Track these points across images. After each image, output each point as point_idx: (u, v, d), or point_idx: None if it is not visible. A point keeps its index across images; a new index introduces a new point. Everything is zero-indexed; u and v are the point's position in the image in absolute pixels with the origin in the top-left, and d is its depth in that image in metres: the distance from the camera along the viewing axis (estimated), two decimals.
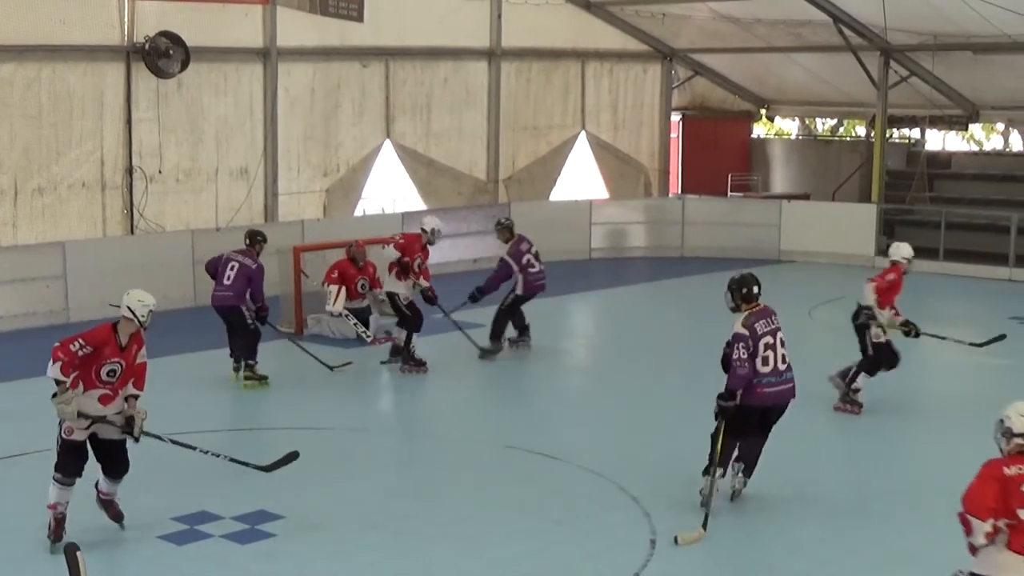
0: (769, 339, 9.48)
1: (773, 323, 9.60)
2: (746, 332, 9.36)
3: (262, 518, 9.29)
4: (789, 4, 21.08)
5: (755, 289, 9.60)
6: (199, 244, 18.07)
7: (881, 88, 22.45)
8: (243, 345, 13.66)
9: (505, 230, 15.25)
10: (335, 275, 15.65)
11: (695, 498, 9.81)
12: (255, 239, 13.95)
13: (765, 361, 9.43)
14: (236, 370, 13.71)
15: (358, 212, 21.13)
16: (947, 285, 20.62)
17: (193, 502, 9.61)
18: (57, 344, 8.55)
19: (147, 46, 17.72)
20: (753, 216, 23.28)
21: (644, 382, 14.26)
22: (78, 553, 5.58)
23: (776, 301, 19.18)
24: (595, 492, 10.12)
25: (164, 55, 17.82)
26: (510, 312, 15.13)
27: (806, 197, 25.64)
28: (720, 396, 9.43)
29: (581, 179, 24.95)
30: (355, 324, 15.43)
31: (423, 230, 14.71)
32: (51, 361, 8.50)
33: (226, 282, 13.58)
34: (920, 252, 21.71)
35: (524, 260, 15.00)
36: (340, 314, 15.51)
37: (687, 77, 26.45)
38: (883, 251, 22.22)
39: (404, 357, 14.41)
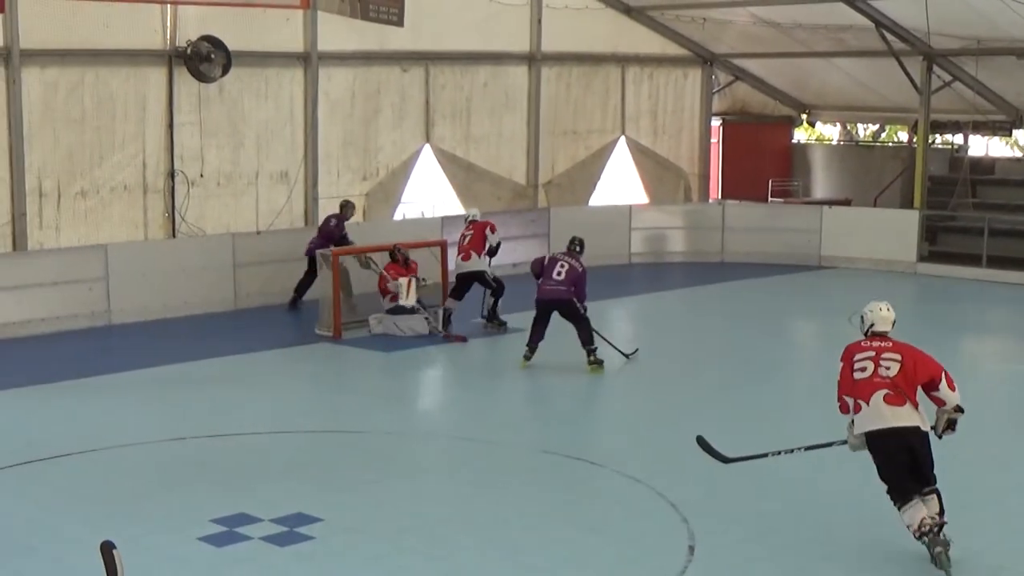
0: None
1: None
2: None
3: (300, 521, 9.32)
4: (830, 9, 20.96)
5: None
6: (240, 247, 18.18)
7: (923, 93, 22.30)
8: (581, 334, 14.57)
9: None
10: (393, 272, 16.39)
11: (733, 504, 9.79)
12: (581, 244, 15.13)
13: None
14: (527, 357, 14.59)
15: (397, 216, 21.16)
16: (990, 292, 20.47)
17: (232, 504, 9.65)
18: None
19: (189, 50, 17.82)
20: (794, 222, 23.16)
21: (683, 388, 14.22)
22: (115, 552, 5.59)
23: (815, 307, 19.21)
24: (632, 498, 10.09)
25: (206, 59, 17.90)
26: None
27: (847, 203, 25.49)
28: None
29: (621, 184, 24.89)
30: (427, 318, 16.23)
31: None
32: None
33: (557, 277, 14.53)
34: (962, 259, 21.80)
35: None
36: (414, 306, 16.27)
37: (727, 82, 26.35)
38: (925, 257, 22.13)
39: (490, 317, 16.71)
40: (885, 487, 8.65)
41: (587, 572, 8.55)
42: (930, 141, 23.62)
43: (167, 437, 11.66)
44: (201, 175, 18.52)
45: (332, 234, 17.92)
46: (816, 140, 33.11)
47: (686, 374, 14.97)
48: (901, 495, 8.52)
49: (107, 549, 5.59)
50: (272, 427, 12.13)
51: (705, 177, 25.89)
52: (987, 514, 9.82)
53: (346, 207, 18.37)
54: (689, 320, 19.00)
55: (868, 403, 8.45)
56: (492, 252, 16.82)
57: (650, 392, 14.12)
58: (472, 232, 16.91)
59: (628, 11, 23.62)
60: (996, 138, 27.43)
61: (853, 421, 8.60)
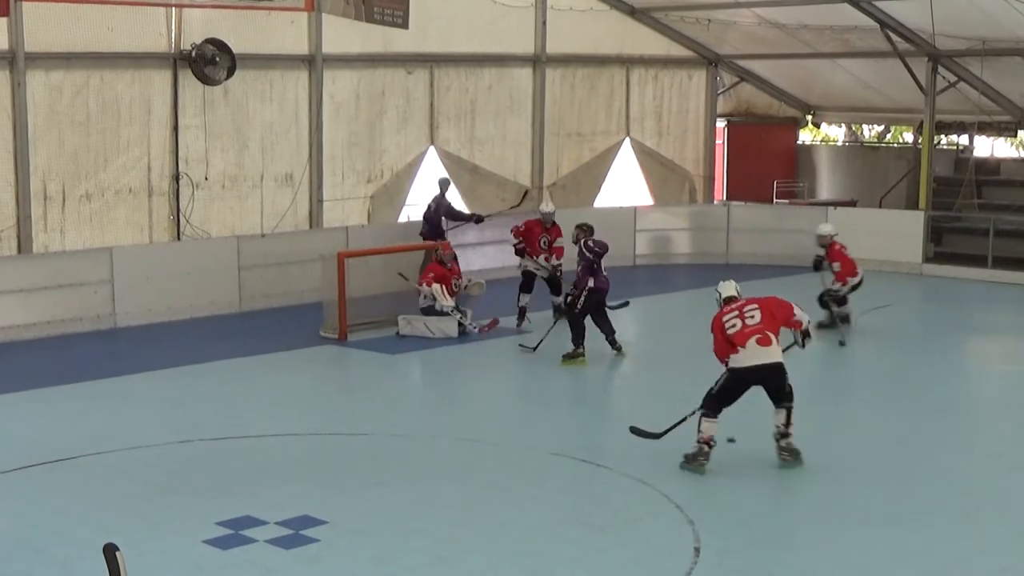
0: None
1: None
2: None
3: (306, 523, 9.32)
4: (835, 10, 20.94)
5: None
6: (244, 250, 18.20)
7: (929, 94, 22.27)
8: (608, 324, 15.26)
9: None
10: (431, 276, 16.50)
11: (739, 506, 9.78)
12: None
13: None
14: (583, 355, 15.07)
15: (402, 218, 21.13)
16: (995, 293, 20.45)
17: (238, 507, 9.65)
18: None
19: (194, 53, 17.83)
20: (799, 223, 23.08)
21: (688, 390, 14.15)
22: (118, 553, 5.59)
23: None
24: (639, 499, 10.08)
25: (210, 62, 17.92)
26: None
27: (853, 204, 25.47)
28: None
29: (626, 185, 24.87)
30: (461, 317, 16.33)
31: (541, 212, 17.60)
32: None
33: (604, 273, 15.15)
34: (968, 259, 21.80)
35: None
36: (452, 308, 16.36)
37: (732, 83, 26.33)
38: (931, 258, 22.11)
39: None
40: (707, 396, 10.80)
41: (594, 573, 8.55)
42: (935, 142, 23.59)
43: (173, 440, 11.66)
44: (206, 178, 18.51)
45: (432, 219, 19.16)
46: (821, 141, 33.10)
47: (692, 376, 14.89)
48: (715, 411, 10.72)
49: (110, 551, 5.59)
50: (277, 429, 12.13)
51: (710, 178, 25.86)
52: (992, 515, 9.80)
53: (441, 183, 19.44)
54: (695, 322, 18.85)
55: (745, 347, 10.56)
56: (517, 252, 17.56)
57: (656, 394, 14.10)
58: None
59: (632, 12, 23.62)
60: (1001, 139, 27.44)
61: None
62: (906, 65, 21.86)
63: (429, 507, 9.92)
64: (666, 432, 10.97)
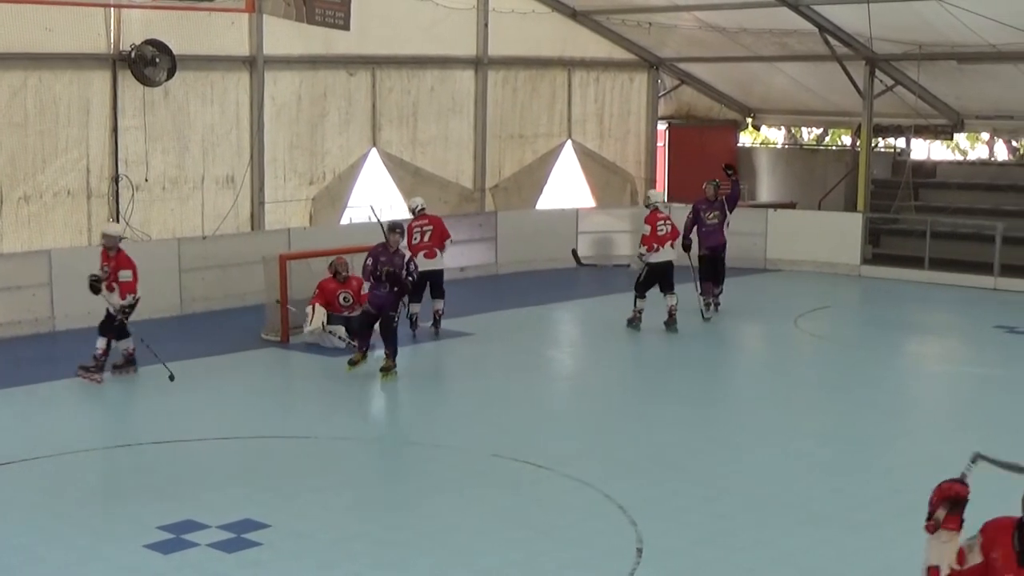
0: None
1: None
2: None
3: (248, 527, 9.28)
4: (774, 13, 21.11)
5: None
6: (185, 253, 18.07)
7: (866, 97, 22.51)
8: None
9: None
10: (317, 294, 15.94)
11: (682, 508, 9.85)
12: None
13: None
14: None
15: (344, 220, 21.08)
16: (932, 294, 20.70)
17: (179, 511, 9.59)
18: None
19: (133, 54, 17.69)
20: (739, 225, 23.09)
21: (630, 391, 14.29)
22: None
23: (761, 309, 19.37)
24: (581, 501, 10.12)
25: (150, 63, 17.79)
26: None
27: (792, 206, 25.66)
28: None
29: (567, 188, 24.95)
30: (339, 337, 15.63)
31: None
32: None
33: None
34: (905, 261, 22.05)
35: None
36: (316, 331, 15.68)
37: (673, 86, 26.48)
38: (869, 260, 22.35)
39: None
40: (636, 283, 16.97)
41: (537, 575, 8.58)
42: (873, 145, 23.84)
43: (112, 444, 11.58)
44: (146, 180, 18.38)
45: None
46: (761, 144, 33.31)
47: (633, 377, 15.04)
48: (642, 293, 16.82)
49: None
50: (219, 433, 12.07)
51: (651, 180, 25.97)
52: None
53: (707, 188, 19.11)
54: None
55: (663, 247, 16.66)
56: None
57: (597, 395, 14.18)
58: (432, 227, 16.64)
59: (574, 15, 23.69)
60: (938, 142, 27.75)
61: (643, 254, 16.81)
62: (844, 69, 22.07)
63: (373, 510, 9.92)
64: (588, 266, 19.16)
